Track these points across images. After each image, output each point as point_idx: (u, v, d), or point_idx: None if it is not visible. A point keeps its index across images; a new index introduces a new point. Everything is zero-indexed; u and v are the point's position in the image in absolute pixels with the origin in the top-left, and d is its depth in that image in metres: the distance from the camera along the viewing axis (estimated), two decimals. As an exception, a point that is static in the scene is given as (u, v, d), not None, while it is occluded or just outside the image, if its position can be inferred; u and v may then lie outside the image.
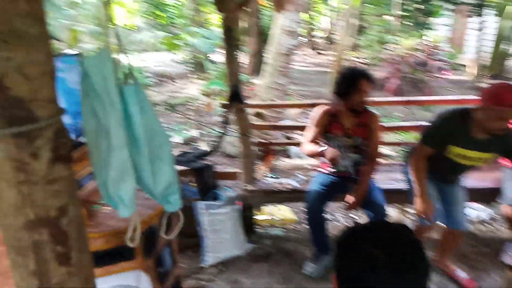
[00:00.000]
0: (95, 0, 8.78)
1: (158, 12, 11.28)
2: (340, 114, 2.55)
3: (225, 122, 2.89)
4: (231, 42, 2.66)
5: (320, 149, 2.48)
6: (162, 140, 1.22)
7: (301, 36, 20.96)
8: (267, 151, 3.29)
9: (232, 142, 4.40)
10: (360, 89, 2.42)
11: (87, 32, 7.03)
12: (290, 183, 2.97)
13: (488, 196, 2.89)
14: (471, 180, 2.94)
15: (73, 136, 1.97)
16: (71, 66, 2.03)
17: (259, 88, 5.09)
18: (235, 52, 2.72)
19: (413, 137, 4.87)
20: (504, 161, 2.78)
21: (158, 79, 10.32)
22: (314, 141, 2.59)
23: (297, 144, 4.81)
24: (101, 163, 1.09)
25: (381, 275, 0.78)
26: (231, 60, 2.73)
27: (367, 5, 14.60)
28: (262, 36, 9.02)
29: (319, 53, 16.61)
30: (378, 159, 2.70)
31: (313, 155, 2.64)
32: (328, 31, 20.16)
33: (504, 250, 2.11)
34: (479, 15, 9.55)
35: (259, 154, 3.48)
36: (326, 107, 2.60)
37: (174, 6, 11.83)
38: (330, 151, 2.41)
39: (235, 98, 2.78)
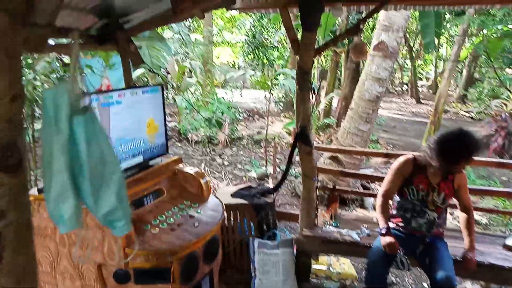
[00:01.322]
0: (204, 40, 9.78)
1: (260, 53, 12.02)
2: (428, 168, 2.35)
3: (289, 162, 2.89)
4: (304, 83, 2.71)
5: (382, 227, 2.33)
6: (113, 168, 1.28)
7: (403, 83, 20.18)
8: (332, 197, 3.16)
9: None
10: (462, 164, 2.22)
11: (192, 68, 7.79)
12: (350, 234, 2.79)
13: None
14: None
15: (140, 158, 2.19)
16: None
17: (340, 133, 4.99)
18: (307, 95, 2.76)
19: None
20: None
21: (249, 114, 10.85)
22: (391, 194, 2.46)
23: (373, 196, 4.57)
24: (46, 184, 1.21)
25: None
26: (303, 101, 2.76)
27: (484, 56, 13.50)
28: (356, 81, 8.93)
29: (420, 102, 15.69)
30: (472, 213, 2.44)
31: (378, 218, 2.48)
32: (433, 80, 19.02)
33: None
34: None
35: (324, 199, 3.37)
36: (413, 156, 2.44)
37: (276, 48, 12.50)
38: (388, 239, 2.25)
39: (302, 139, 2.78)
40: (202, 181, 2.31)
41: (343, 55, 9.12)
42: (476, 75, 16.39)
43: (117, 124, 2.01)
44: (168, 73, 9.09)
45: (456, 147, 2.15)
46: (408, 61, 18.15)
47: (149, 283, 1.79)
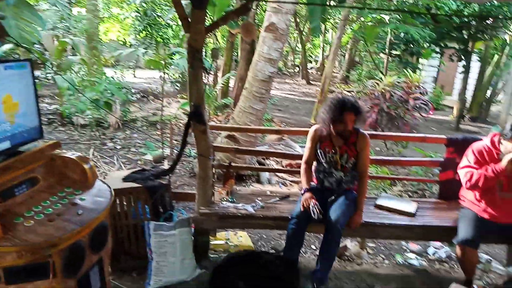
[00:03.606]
0: (87, 15, 8.88)
1: (153, 32, 11.42)
2: (331, 134, 2.70)
3: (184, 142, 2.84)
4: (195, 62, 2.65)
5: (303, 188, 2.70)
6: None
7: (296, 66, 21.41)
8: (228, 174, 3.23)
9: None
10: (344, 120, 2.58)
11: (74, 44, 7.03)
12: (245, 208, 2.90)
13: (445, 234, 2.84)
14: (428, 217, 2.92)
15: (7, 144, 1.91)
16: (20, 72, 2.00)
17: (236, 112, 5.08)
18: (199, 73, 2.71)
19: (383, 172, 4.88)
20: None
21: (143, 95, 10.33)
22: (310, 160, 2.83)
23: (267, 171, 4.81)
24: None
25: None
26: (195, 80, 2.71)
27: (362, 41, 15.00)
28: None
29: (310, 83, 16.87)
30: (366, 178, 2.80)
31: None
32: (321, 62, 20.59)
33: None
34: (461, 59, 9.82)
35: (221, 177, 3.42)
36: (319, 126, 2.76)
37: (170, 26, 12.01)
38: (306, 195, 2.61)
39: (196, 118, 2.75)
40: (86, 166, 2.11)
41: (239, 36, 9.23)
42: (357, 59, 18.24)
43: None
44: (45, 50, 8.05)
45: (337, 103, 2.59)
46: (299, 45, 19.24)
47: (24, 281, 1.60)
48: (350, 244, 3.33)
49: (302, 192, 2.69)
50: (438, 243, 3.41)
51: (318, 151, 2.76)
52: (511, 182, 2.61)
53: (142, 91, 10.67)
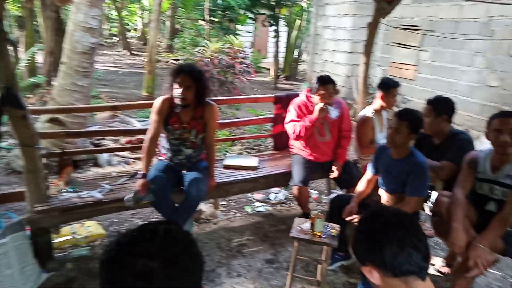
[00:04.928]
0: None
1: None
2: (179, 109, 2.58)
3: (-3, 132, 2.35)
4: (-4, 34, 2.16)
5: (140, 172, 2.58)
6: None
7: (113, 35, 19.74)
8: (63, 162, 2.86)
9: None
10: (178, 83, 2.48)
11: None
12: (92, 195, 2.66)
13: (283, 179, 3.28)
14: (268, 167, 3.30)
15: None
16: None
17: (56, 91, 4.43)
18: (4, 47, 2.23)
19: (223, 134, 5.17)
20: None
21: None
22: (156, 135, 2.63)
23: (106, 151, 4.46)
24: None
25: (159, 285, 0.73)
26: (1, 57, 2.22)
27: (181, 8, 14.86)
28: (62, 32, 7.95)
29: (133, 54, 15.96)
30: (214, 147, 2.86)
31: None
32: (141, 31, 19.59)
33: (293, 225, 2.42)
34: (272, 25, 10.96)
35: (53, 167, 3.00)
36: (170, 96, 2.58)
37: None
38: (139, 182, 2.51)
39: (11, 102, 2.29)
40: None
41: (38, 2, 7.81)
42: (178, 26, 18.07)
43: None
44: None
45: (171, 73, 2.54)
46: (114, 12, 17.71)
47: None
48: (204, 207, 3.48)
49: (138, 176, 2.59)
50: (276, 189, 3.90)
51: (166, 127, 2.64)
52: (325, 128, 3.17)
53: None
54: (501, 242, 2.12)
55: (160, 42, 17.46)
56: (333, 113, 3.09)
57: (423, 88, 6.74)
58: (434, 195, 2.56)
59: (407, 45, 7.15)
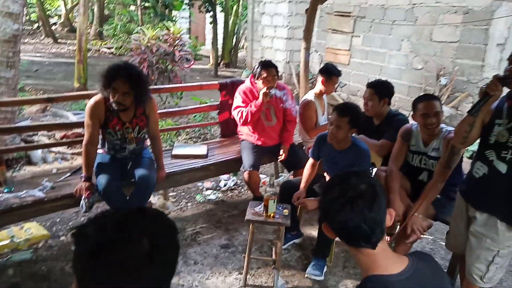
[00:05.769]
0: None
1: None
2: (117, 110, 2.43)
3: None
4: None
5: (83, 175, 2.46)
6: None
7: (33, 22, 18.05)
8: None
9: None
10: (115, 89, 2.30)
11: None
12: (32, 194, 2.48)
13: (233, 166, 3.32)
14: (217, 155, 3.31)
15: None
16: None
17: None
18: None
19: (167, 124, 5.06)
20: None
21: None
22: (94, 141, 2.47)
23: (42, 147, 4.15)
24: None
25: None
26: None
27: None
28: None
29: (57, 42, 14.77)
30: (159, 138, 2.78)
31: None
32: (65, 17, 18.15)
33: (247, 209, 2.48)
34: (208, 11, 10.78)
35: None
36: (103, 97, 2.41)
37: None
38: (80, 184, 2.44)
39: None
40: None
41: None
42: (107, 12, 17.03)
43: None
44: None
45: (105, 74, 2.34)
46: (33, -4, 16.18)
47: None
48: (154, 199, 3.42)
49: (82, 178, 2.46)
50: (226, 176, 3.94)
51: (108, 131, 2.48)
52: (271, 113, 3.25)
53: None
54: (432, 209, 2.38)
55: (89, 29, 16.35)
56: (278, 93, 3.18)
57: (357, 72, 7.14)
58: (374, 171, 2.77)
59: (341, 31, 7.49)
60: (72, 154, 4.50)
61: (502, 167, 1.75)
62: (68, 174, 2.82)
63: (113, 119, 2.46)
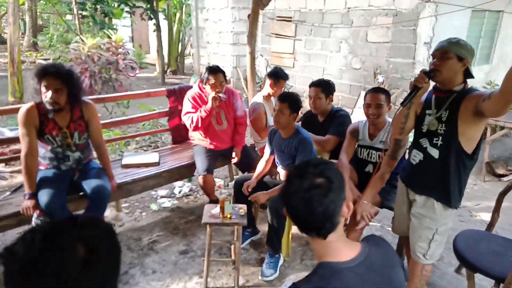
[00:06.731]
0: None
1: None
2: (55, 113, 2.33)
3: None
4: None
5: (27, 193, 2.30)
6: None
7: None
8: None
9: None
10: (46, 86, 2.22)
11: None
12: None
13: (186, 171, 3.31)
14: (170, 161, 3.28)
15: None
16: None
17: None
18: None
19: (115, 134, 4.91)
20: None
21: None
22: (33, 150, 2.32)
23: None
24: None
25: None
26: None
27: (43, 1, 13.26)
28: None
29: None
30: (104, 147, 2.68)
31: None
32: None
33: (203, 212, 2.49)
34: (151, 18, 10.60)
35: None
36: (34, 103, 2.30)
37: None
38: (26, 203, 2.28)
39: None
40: None
41: None
42: (40, 22, 16.11)
43: None
44: None
45: (37, 71, 2.24)
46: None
47: None
48: (106, 211, 3.30)
49: (26, 196, 2.29)
50: (180, 182, 3.90)
51: (45, 137, 2.37)
52: (221, 117, 3.29)
53: None
54: (378, 197, 2.55)
55: (21, 40, 15.35)
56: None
57: (302, 74, 7.41)
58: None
59: (284, 35, 7.73)
60: (11, 172, 4.22)
61: (435, 153, 1.94)
62: (8, 193, 2.66)
63: (48, 124, 2.34)
